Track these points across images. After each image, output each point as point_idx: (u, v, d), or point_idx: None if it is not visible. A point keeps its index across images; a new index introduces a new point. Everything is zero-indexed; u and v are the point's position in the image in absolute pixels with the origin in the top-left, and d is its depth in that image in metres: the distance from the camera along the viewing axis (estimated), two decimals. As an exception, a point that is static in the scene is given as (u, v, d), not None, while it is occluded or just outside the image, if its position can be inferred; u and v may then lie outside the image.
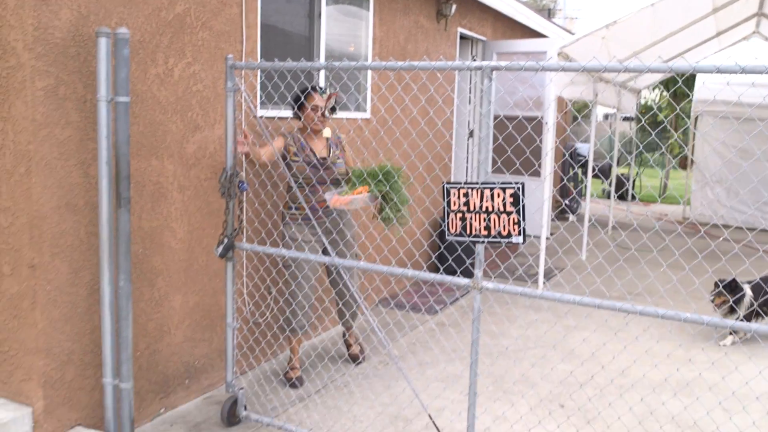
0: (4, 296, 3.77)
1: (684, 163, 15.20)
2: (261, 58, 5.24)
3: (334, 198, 4.49)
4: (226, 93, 4.27)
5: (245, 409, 4.51)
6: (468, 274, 7.86)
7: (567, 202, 13.88)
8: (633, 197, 17.17)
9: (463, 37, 9.22)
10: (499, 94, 9.77)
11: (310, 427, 4.42)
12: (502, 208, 3.44)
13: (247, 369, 5.31)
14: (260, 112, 5.27)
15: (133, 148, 4.10)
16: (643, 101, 24.51)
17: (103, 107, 3.75)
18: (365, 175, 4.58)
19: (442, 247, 8.29)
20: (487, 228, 3.47)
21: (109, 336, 3.91)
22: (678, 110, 12.16)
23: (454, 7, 8.07)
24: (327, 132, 5.13)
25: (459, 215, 3.55)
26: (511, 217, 3.41)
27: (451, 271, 7.99)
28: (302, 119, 5.04)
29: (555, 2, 57.15)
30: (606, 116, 34.29)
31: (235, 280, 4.59)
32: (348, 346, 5.67)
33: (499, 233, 3.44)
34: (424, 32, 7.78)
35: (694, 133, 14.25)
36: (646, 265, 9.00)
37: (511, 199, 3.42)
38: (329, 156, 5.08)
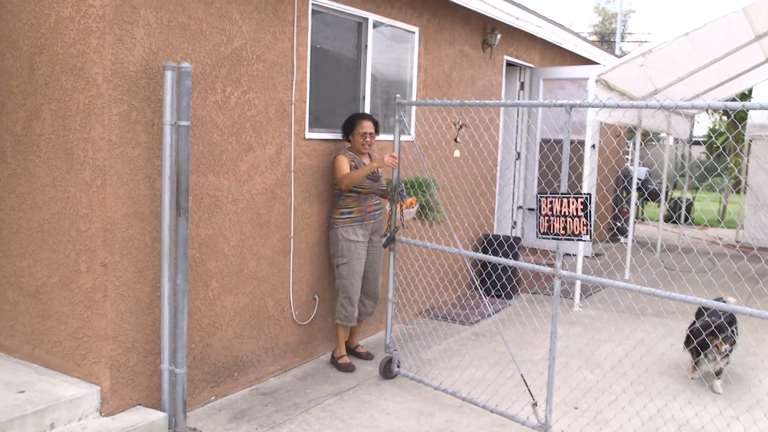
0: (81, 290, 4.42)
1: (739, 187, 15.29)
2: (310, 86, 5.81)
3: (403, 211, 5.64)
4: (394, 123, 5.69)
5: (398, 366, 5.82)
6: (505, 292, 8.30)
7: (619, 224, 14.11)
8: (687, 220, 17.24)
9: (510, 64, 9.69)
10: (545, 117, 10.18)
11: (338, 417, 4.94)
12: (575, 213, 4.41)
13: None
14: (309, 135, 5.85)
15: (192, 165, 4.72)
16: (700, 125, 24.49)
17: (168, 130, 4.39)
18: (410, 184, 6.05)
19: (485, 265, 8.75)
20: (564, 228, 4.47)
21: (167, 327, 4.53)
22: (729, 136, 12.34)
23: (498, 36, 8.57)
24: (457, 153, 6.20)
25: (546, 218, 4.58)
26: (581, 220, 4.38)
27: (491, 288, 8.45)
28: (351, 141, 5.96)
29: (625, 26, 56.92)
30: (677, 140, 34.10)
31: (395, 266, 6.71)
32: (356, 348, 6.31)
33: (573, 232, 4.44)
34: (469, 60, 8.30)
35: (748, 157, 14.37)
36: (689, 285, 9.27)
37: (581, 206, 4.39)
38: (376, 171, 5.95)
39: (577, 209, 4.41)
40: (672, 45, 8.28)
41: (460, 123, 5.45)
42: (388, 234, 5.72)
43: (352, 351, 6.26)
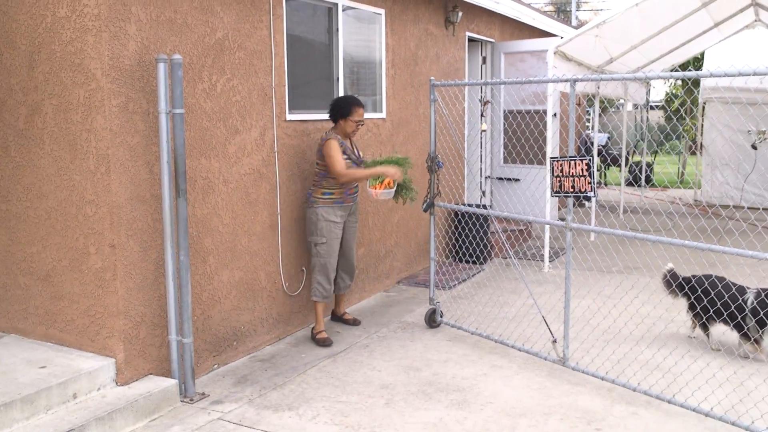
0: (91, 270, 4.76)
1: (694, 149, 15.89)
2: (288, 70, 6.16)
3: (374, 191, 6.03)
4: (429, 103, 6.59)
5: (441, 315, 6.61)
6: (479, 258, 8.76)
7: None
8: (649, 183, 17.84)
9: (472, 40, 10.09)
10: (508, 90, 10.59)
11: (338, 375, 5.36)
12: (581, 173, 5.17)
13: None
14: (289, 116, 6.21)
15: (186, 150, 5.06)
16: (656, 90, 25.15)
17: (163, 118, 4.73)
18: (387, 163, 6.19)
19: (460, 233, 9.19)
20: (573, 187, 5.23)
21: (173, 301, 4.90)
22: (683, 102, 12.88)
23: (460, 14, 8.96)
24: (484, 126, 7.18)
25: (557, 179, 5.31)
26: (586, 179, 5.15)
27: (465, 253, 8.90)
28: (341, 124, 6.08)
29: (580, -6, 57.42)
30: (636, 106, 34.81)
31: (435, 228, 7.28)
32: (343, 315, 6.68)
33: (580, 189, 5.19)
34: (434, 38, 8.68)
35: (702, 119, 14.95)
36: (650, 244, 9.77)
37: (586, 167, 5.15)
38: (359, 154, 6.29)
39: (582, 170, 5.18)
40: (624, 15, 8.75)
41: (485, 100, 6.70)
42: (428, 200, 6.42)
43: (339, 318, 6.67)
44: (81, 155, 4.69)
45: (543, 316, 5.91)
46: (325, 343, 6.10)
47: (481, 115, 6.05)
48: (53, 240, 4.92)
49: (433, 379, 5.30)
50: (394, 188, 6.09)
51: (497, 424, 4.55)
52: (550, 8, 41.43)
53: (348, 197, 6.18)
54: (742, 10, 11.55)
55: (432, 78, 6.49)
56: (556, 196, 5.49)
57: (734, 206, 13.72)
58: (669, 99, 22.92)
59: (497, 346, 6.03)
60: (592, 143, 16.52)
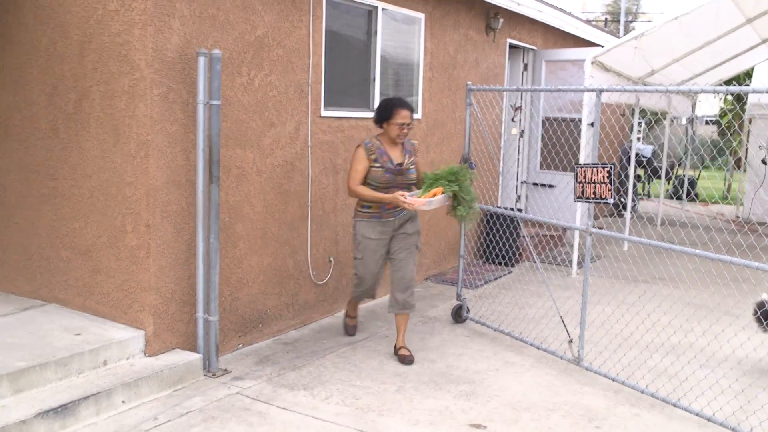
0: (127, 248, 5.09)
1: (739, 165, 15.79)
2: (324, 69, 6.43)
3: (413, 200, 5.31)
4: (466, 107, 6.76)
5: (467, 312, 6.87)
6: (508, 260, 8.95)
7: (621, 199, 14.67)
8: (694, 197, 17.76)
9: (514, 46, 10.26)
10: (547, 97, 10.74)
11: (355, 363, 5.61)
12: (602, 180, 5.41)
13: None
14: (324, 113, 6.48)
15: (222, 140, 5.35)
16: (712, 105, 24.89)
17: (201, 109, 5.04)
18: (439, 177, 5.51)
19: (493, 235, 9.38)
20: (594, 192, 5.48)
21: (201, 280, 5.20)
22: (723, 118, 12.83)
23: (501, 21, 9.14)
24: (514, 131, 6.62)
25: (581, 185, 5.55)
26: (606, 186, 5.39)
27: (495, 255, 9.09)
28: (384, 128, 5.61)
29: (638, 5, 56.85)
30: (690, 120, 34.44)
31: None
32: (399, 350, 5.75)
33: (600, 196, 5.44)
34: (473, 44, 8.89)
35: (748, 136, 14.87)
36: (684, 256, 9.83)
37: (607, 175, 5.39)
38: (404, 163, 5.62)
39: (603, 177, 5.41)
40: (663, 28, 8.84)
41: (517, 105, 6.76)
42: None
43: (395, 352, 5.80)
44: (123, 140, 5.02)
45: (561, 317, 6.10)
46: (347, 330, 6.28)
47: (512, 120, 6.22)
48: (94, 217, 5.26)
49: (446, 371, 5.52)
50: (441, 199, 5.46)
51: (500, 416, 4.76)
52: (607, 17, 41.23)
53: (386, 212, 5.63)
54: (790, 28, 11.49)
55: (469, 82, 6.72)
56: (578, 201, 5.68)
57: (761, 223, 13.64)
58: (723, 114, 22.71)
59: (514, 343, 6.22)
60: (639, 155, 16.59)
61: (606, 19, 39.48)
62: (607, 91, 5.61)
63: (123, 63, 4.96)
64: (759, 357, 5.81)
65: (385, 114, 5.59)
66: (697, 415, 4.80)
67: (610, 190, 5.39)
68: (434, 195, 5.40)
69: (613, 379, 5.38)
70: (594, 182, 5.46)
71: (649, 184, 18.79)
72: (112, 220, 5.16)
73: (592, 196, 5.49)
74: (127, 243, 5.09)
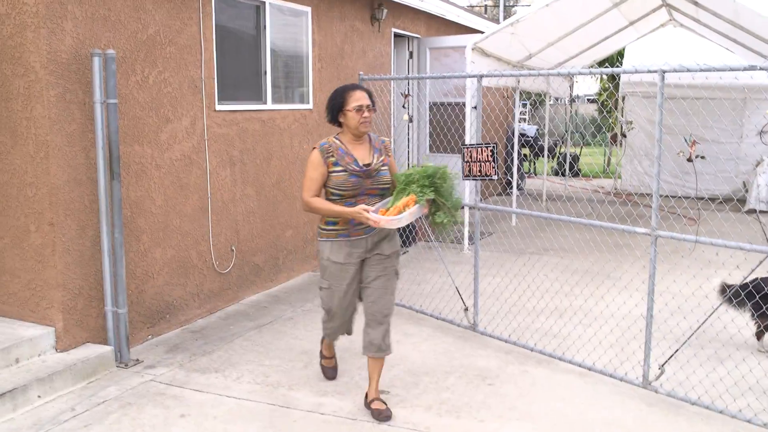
0: (32, 247, 5.19)
1: (615, 140, 16.75)
2: (217, 64, 6.62)
3: (378, 217, 4.21)
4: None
5: None
6: (404, 241, 9.36)
7: (509, 178, 15.34)
8: (577, 172, 18.70)
9: (399, 35, 10.64)
10: (433, 83, 11.18)
11: (261, 343, 5.88)
12: (486, 159, 5.85)
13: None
14: (219, 107, 6.68)
15: (120, 137, 5.49)
16: (592, 84, 26.11)
17: (98, 107, 5.18)
18: (410, 180, 4.34)
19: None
20: (480, 171, 5.88)
21: (108, 275, 5.35)
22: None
23: (385, 11, 9.50)
24: (405, 117, 6.66)
25: (467, 164, 5.94)
26: (490, 164, 5.83)
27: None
28: (343, 122, 4.56)
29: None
30: (574, 100, 35.88)
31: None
32: (370, 403, 4.69)
33: (485, 174, 5.87)
34: (360, 34, 9.21)
35: (623, 112, 15.78)
36: (567, 228, 10.47)
37: (490, 153, 5.83)
38: (373, 163, 4.53)
39: (487, 156, 5.85)
40: (537, 15, 9.38)
41: (405, 93, 6.81)
42: None
43: (367, 405, 4.74)
44: (21, 141, 5.11)
45: (456, 287, 6.52)
46: (325, 373, 5.25)
47: (403, 107, 6.54)
48: (-5, 219, 5.34)
49: (350, 346, 5.84)
50: (414, 212, 4.26)
51: (401, 381, 5.13)
52: (487, 4, 42.27)
53: (356, 229, 4.52)
54: (654, 11, 12.28)
55: (361, 72, 7.04)
56: (466, 180, 6.09)
57: (649, 194, 14.57)
58: (600, 93, 23.87)
59: (413, 316, 6.61)
60: (524, 135, 17.35)
61: (486, 6, 40.49)
62: (486, 76, 6.04)
63: (17, 65, 5.04)
64: (633, 314, 6.40)
65: (336, 103, 4.53)
66: (579, 366, 5.32)
67: (493, 167, 5.84)
68: (405, 206, 4.26)
69: (505, 341, 5.86)
70: (479, 161, 5.89)
71: (534, 162, 19.64)
72: (15, 220, 5.24)
73: (479, 174, 5.92)
74: (32, 242, 5.19)
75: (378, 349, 4.66)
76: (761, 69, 4.33)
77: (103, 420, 4.50)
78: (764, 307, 5.40)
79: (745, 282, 5.42)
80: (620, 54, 17.97)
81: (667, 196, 14.37)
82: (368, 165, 4.50)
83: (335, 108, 4.54)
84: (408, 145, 11.18)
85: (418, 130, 11.32)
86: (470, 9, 25.74)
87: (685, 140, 13.29)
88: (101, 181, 5.26)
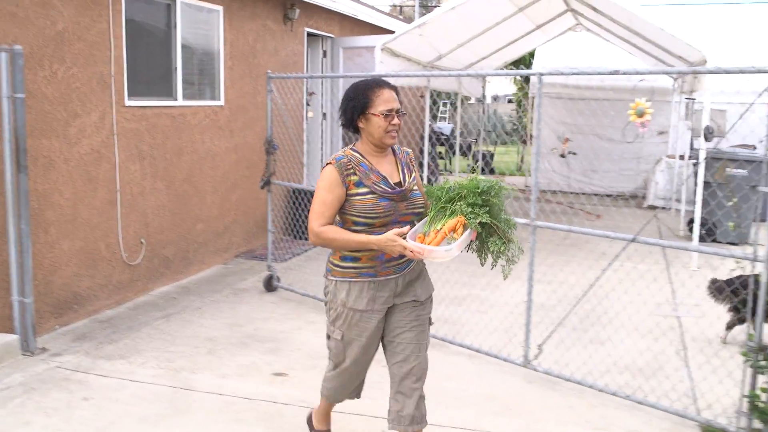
0: (-63, 238, 5.30)
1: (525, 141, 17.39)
2: (126, 61, 6.79)
3: (420, 246, 3.23)
4: (267, 93, 7.17)
5: (277, 281, 7.40)
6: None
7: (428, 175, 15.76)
8: (492, 171, 19.29)
9: (313, 35, 10.91)
10: (348, 82, 11.49)
11: (169, 332, 6.09)
12: None
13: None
14: (128, 102, 6.84)
15: (28, 131, 5.62)
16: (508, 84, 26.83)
17: (5, 102, 5.32)
18: (453, 196, 3.45)
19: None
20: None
21: (15, 265, 5.49)
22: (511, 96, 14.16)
23: (297, 11, 9.76)
24: (310, 114, 6.54)
25: None
26: None
27: (303, 230, 9.74)
28: (362, 128, 3.50)
29: (441, -11, 59.05)
30: (494, 98, 36.71)
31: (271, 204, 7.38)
32: None
33: None
34: (272, 33, 9.45)
35: (532, 111, 16.39)
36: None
37: None
38: (406, 181, 3.57)
39: None
40: (444, 17, 9.76)
41: (311, 91, 6.96)
42: (265, 178, 7.03)
43: None
44: (-74, 134, 5.21)
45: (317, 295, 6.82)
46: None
47: (307, 104, 6.81)
48: None
49: (254, 333, 6.11)
50: (465, 238, 3.33)
51: (300, 364, 5.43)
52: (411, 2, 42.72)
53: (386, 266, 3.52)
54: (559, 15, 12.82)
55: (269, 71, 7.29)
56: None
57: (561, 192, 15.20)
58: (516, 93, 24.59)
59: (318, 305, 6.89)
60: (434, 133, 17.82)
61: (400, 7, 41.00)
62: (389, 76, 6.31)
63: None
64: (524, 300, 6.83)
65: (357, 104, 3.45)
66: (468, 348, 5.71)
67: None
68: (452, 230, 3.34)
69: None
70: None
71: (450, 160, 20.15)
72: None
73: None
74: (-63, 233, 5.30)
75: (412, 421, 3.61)
76: (624, 73, 4.79)
77: (6, 404, 4.66)
78: (736, 302, 5.84)
79: (731, 278, 5.92)
80: (532, 55, 18.62)
81: (576, 194, 15.14)
82: (400, 183, 3.53)
83: (356, 110, 3.45)
84: (322, 141, 11.47)
85: (332, 127, 11.61)
86: (393, 8, 26.01)
87: (558, 138, 13.98)
88: (7, 173, 5.39)
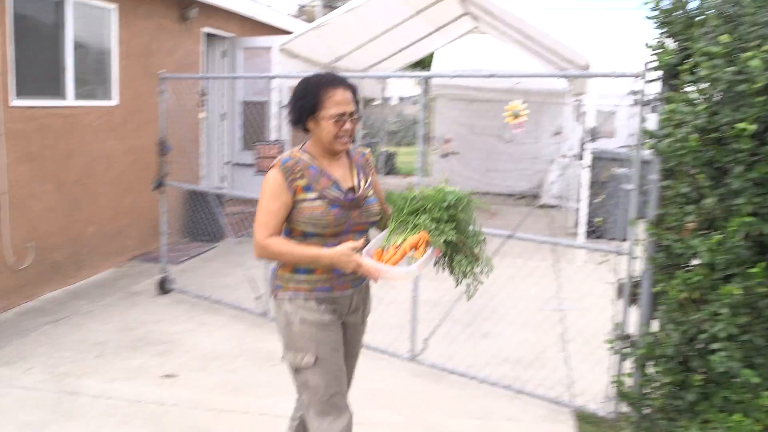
0: None
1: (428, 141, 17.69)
2: (14, 59, 6.62)
3: (379, 266, 2.98)
4: (159, 94, 7.15)
5: (172, 283, 7.36)
6: (212, 236, 9.59)
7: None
8: (393, 170, 19.53)
9: (212, 35, 10.84)
10: (246, 82, 11.47)
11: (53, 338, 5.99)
12: (275, 155, 6.21)
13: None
14: (15, 102, 6.68)
15: None
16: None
17: None
18: (415, 208, 3.11)
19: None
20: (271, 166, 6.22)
21: None
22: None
23: (195, 11, 9.69)
24: (202, 114, 6.94)
25: (259, 160, 6.40)
26: None
27: (200, 232, 9.69)
28: (312, 129, 3.17)
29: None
30: (401, 99, 37.03)
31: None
32: None
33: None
34: (168, 33, 9.36)
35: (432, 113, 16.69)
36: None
37: (279, 150, 6.32)
38: (359, 186, 3.26)
39: (276, 152, 6.26)
40: (341, 19, 9.85)
41: (202, 92, 7.03)
42: (158, 179, 7.05)
43: None
44: None
45: (251, 280, 6.86)
46: None
47: (200, 105, 6.81)
48: None
49: (145, 336, 6.08)
50: (429, 256, 3.04)
51: (190, 365, 5.45)
52: (303, 5, 42.68)
53: (342, 281, 3.21)
54: (457, 18, 13.09)
55: (161, 71, 7.23)
56: (261, 175, 6.43)
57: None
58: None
59: (211, 306, 6.90)
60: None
61: (303, 7, 40.97)
62: (280, 77, 6.41)
63: None
64: (421, 298, 7.00)
65: (306, 104, 3.12)
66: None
67: None
68: (414, 247, 3.04)
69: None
70: (270, 157, 6.28)
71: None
72: None
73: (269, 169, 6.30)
74: None
75: None
76: (501, 76, 5.03)
77: None
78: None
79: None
80: (428, 58, 18.92)
81: (476, 193, 15.43)
82: (353, 189, 3.21)
83: (304, 110, 3.12)
84: (220, 142, 11.41)
85: (232, 129, 11.55)
86: (301, 9, 25.96)
87: (438, 139, 14.35)
88: None
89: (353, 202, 3.16)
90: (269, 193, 3.10)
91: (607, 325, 4.55)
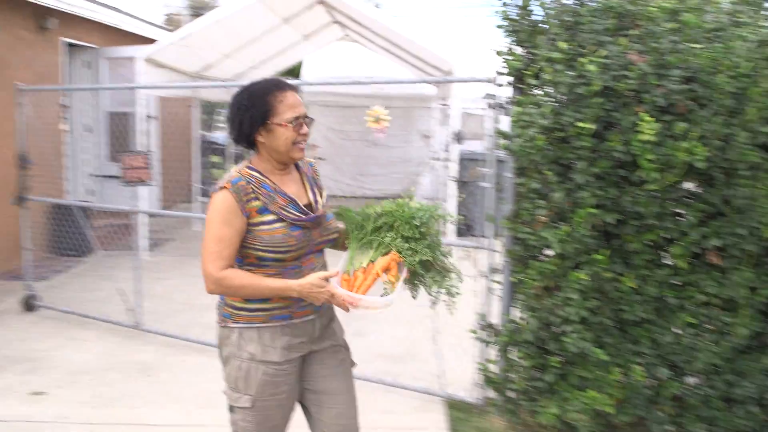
0: None
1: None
2: None
3: (353, 296, 2.73)
4: (16, 107, 7.01)
5: (38, 300, 7.16)
6: (80, 251, 9.37)
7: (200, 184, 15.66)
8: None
9: (75, 45, 10.58)
10: (112, 93, 11.26)
11: None
12: (141, 165, 6.30)
13: None
14: None
15: None
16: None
17: None
18: (380, 224, 2.94)
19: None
20: (138, 177, 6.32)
21: None
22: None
23: (54, 21, 9.45)
24: (64, 126, 6.89)
25: (124, 171, 6.28)
26: (146, 170, 6.32)
27: (67, 247, 9.44)
28: (263, 141, 2.86)
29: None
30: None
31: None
32: None
33: (142, 180, 6.36)
34: (26, 43, 9.09)
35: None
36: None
37: (145, 160, 6.34)
38: (316, 202, 2.98)
39: (142, 162, 6.31)
40: (208, 29, 9.83)
41: (64, 104, 6.91)
42: (19, 195, 6.91)
43: None
44: None
45: (122, 291, 6.77)
46: None
47: (62, 117, 6.70)
48: None
49: (9, 354, 5.91)
50: (399, 281, 2.86)
51: (59, 381, 5.36)
52: (173, 14, 42.01)
53: (301, 307, 2.88)
54: (325, 26, 13.26)
55: (19, 84, 7.01)
56: (125, 186, 6.40)
57: (333, 196, 15.66)
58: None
59: (82, 321, 6.76)
60: (209, 142, 17.78)
61: (170, 16, 40.33)
62: (141, 87, 6.39)
63: None
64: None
65: (257, 113, 2.81)
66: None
67: (149, 173, 6.29)
68: (386, 270, 2.84)
69: (168, 335, 6.26)
70: (136, 167, 6.24)
71: (225, 168, 20.13)
72: None
73: (136, 179, 6.26)
74: None
75: None
76: (364, 83, 5.19)
77: None
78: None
79: None
80: (298, 66, 19.02)
81: (347, 197, 15.68)
82: (310, 207, 2.93)
83: (255, 120, 2.81)
84: (90, 155, 11.16)
85: (100, 143, 11.31)
86: (168, 17, 25.51)
87: (308, 145, 14.52)
88: None
89: (315, 221, 2.88)
90: (220, 219, 2.73)
91: (473, 317, 4.79)
